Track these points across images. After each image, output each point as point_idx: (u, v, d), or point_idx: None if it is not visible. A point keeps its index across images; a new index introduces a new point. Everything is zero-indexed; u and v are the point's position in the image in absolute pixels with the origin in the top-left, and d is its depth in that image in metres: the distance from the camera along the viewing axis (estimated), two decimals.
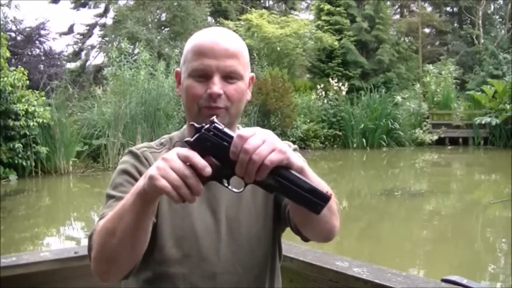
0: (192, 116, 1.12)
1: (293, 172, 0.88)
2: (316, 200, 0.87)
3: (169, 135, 1.25)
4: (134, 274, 1.16)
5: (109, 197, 1.10)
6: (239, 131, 0.87)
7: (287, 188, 0.87)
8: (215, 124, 0.87)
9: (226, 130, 0.87)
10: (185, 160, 0.85)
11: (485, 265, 5.48)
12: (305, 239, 1.13)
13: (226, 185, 0.91)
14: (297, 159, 0.91)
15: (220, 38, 1.12)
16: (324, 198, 0.87)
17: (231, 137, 0.86)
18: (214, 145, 0.86)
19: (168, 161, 0.86)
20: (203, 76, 1.09)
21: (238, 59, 1.12)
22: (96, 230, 1.00)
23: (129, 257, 1.00)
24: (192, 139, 0.87)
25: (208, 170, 0.85)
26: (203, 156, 0.85)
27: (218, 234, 1.14)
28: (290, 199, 0.90)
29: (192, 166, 0.85)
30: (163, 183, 0.84)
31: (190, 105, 1.12)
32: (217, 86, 1.08)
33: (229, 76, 1.10)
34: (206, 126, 0.87)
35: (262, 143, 0.86)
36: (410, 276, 1.39)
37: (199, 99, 1.10)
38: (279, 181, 0.87)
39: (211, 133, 0.86)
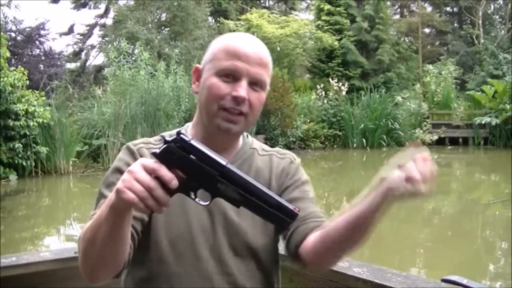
0: (209, 115, 1.12)
1: (259, 186, 0.88)
2: (282, 217, 0.88)
3: (169, 132, 1.24)
4: (130, 273, 1.16)
5: (101, 195, 1.10)
6: None
7: (252, 203, 0.87)
8: (181, 136, 0.87)
9: (194, 142, 0.87)
10: (151, 172, 0.85)
11: (485, 265, 5.47)
12: (295, 261, 1.15)
13: (193, 197, 0.91)
14: None
15: (255, 45, 1.14)
16: (291, 215, 0.88)
17: (198, 150, 0.87)
18: (180, 158, 0.86)
19: (133, 173, 0.85)
20: (231, 77, 1.10)
21: (267, 70, 1.14)
22: (81, 236, 1.01)
23: (112, 263, 1.01)
24: (158, 152, 0.87)
25: (175, 182, 0.85)
26: (169, 168, 0.86)
27: (215, 233, 1.13)
28: (256, 214, 0.90)
29: (159, 178, 0.85)
30: (129, 195, 0.84)
31: (210, 103, 1.11)
32: (244, 90, 1.09)
33: (255, 84, 1.11)
34: (172, 138, 0.87)
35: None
36: (410, 276, 1.39)
37: (222, 99, 1.09)
38: (244, 195, 0.87)
39: (177, 145, 0.86)
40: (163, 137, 0.91)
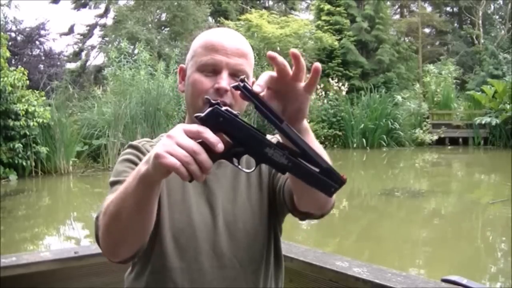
0: (196, 111, 1.12)
1: (312, 148, 0.82)
2: (330, 182, 0.80)
3: (166, 133, 1.25)
4: (134, 268, 1.17)
5: (114, 183, 1.09)
6: None
7: (300, 169, 0.80)
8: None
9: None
10: (195, 135, 0.80)
11: (485, 265, 5.47)
12: (302, 216, 1.11)
13: (237, 164, 0.86)
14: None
15: (232, 37, 1.15)
16: (339, 180, 0.80)
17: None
18: (226, 121, 0.80)
19: (174, 137, 0.81)
20: (212, 71, 1.12)
21: (246, 60, 1.15)
22: (102, 212, 0.99)
23: (135, 239, 0.99)
24: (203, 114, 0.81)
25: (220, 146, 0.80)
26: (214, 132, 0.80)
27: (216, 228, 1.14)
28: (301, 179, 0.82)
29: (203, 143, 0.80)
30: (171, 160, 0.79)
31: (195, 99, 1.13)
32: (225, 81, 1.10)
33: (237, 75, 1.12)
34: (218, 102, 0.82)
35: None
36: (410, 276, 1.39)
37: (205, 93, 1.11)
38: (293, 160, 0.81)
39: (225, 108, 0.81)
40: (208, 99, 0.84)
